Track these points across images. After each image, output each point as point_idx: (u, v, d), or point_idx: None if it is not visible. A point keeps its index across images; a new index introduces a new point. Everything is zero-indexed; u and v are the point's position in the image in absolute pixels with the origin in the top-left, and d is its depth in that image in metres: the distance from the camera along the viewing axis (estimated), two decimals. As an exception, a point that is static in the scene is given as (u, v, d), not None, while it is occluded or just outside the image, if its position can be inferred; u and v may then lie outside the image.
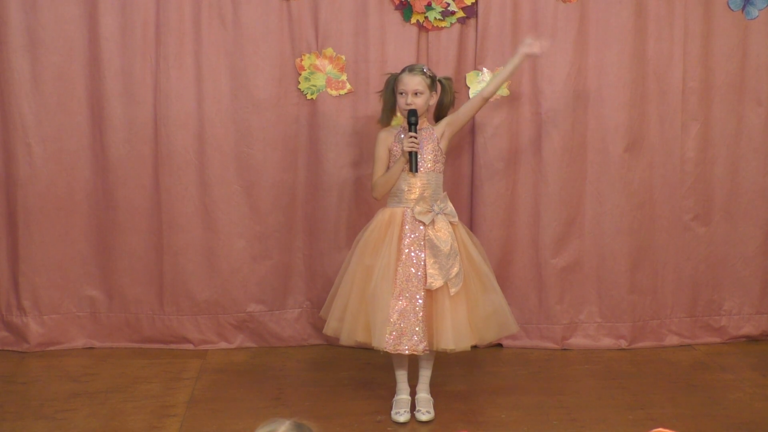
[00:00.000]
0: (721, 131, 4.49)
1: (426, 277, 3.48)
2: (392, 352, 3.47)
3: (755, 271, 4.59)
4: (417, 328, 3.45)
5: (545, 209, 4.41)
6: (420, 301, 3.47)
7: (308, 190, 4.40)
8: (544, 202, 4.40)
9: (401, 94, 3.59)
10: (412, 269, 3.49)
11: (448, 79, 3.73)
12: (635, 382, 4.02)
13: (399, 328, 3.45)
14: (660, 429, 2.75)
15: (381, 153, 3.67)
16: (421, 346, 3.46)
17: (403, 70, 3.63)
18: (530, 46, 3.72)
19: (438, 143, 3.63)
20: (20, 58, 4.18)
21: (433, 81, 3.64)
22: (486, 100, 3.71)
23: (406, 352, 3.46)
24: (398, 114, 3.81)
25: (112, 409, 3.62)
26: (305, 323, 4.48)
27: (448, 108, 3.71)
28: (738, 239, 4.56)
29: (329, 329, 3.65)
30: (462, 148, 4.39)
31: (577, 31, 4.32)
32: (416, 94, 3.57)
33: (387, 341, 3.44)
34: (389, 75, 3.71)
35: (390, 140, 3.67)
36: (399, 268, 3.50)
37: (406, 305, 3.47)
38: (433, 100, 3.67)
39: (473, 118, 4.11)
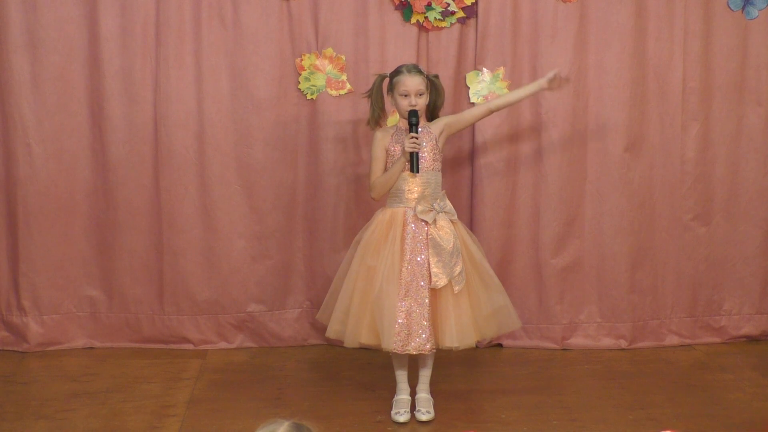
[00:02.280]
0: (721, 131, 4.49)
1: (430, 276, 3.48)
2: (400, 352, 3.46)
3: (755, 271, 4.59)
4: (423, 328, 3.45)
5: (545, 209, 4.41)
6: (425, 300, 3.46)
7: (308, 190, 4.40)
8: (544, 202, 4.40)
9: (404, 95, 3.57)
10: (417, 269, 3.49)
11: (436, 76, 3.70)
12: (635, 382, 4.02)
13: (406, 329, 3.45)
14: None
15: (378, 153, 3.66)
16: (428, 345, 3.46)
17: (399, 71, 3.60)
18: (551, 81, 3.75)
19: (436, 142, 3.62)
20: (20, 58, 4.18)
21: (428, 80, 3.63)
22: (491, 112, 3.76)
23: (414, 352, 3.46)
24: (390, 115, 3.80)
25: (112, 409, 3.62)
26: (305, 323, 4.48)
27: (441, 106, 3.70)
28: (738, 239, 4.56)
29: (331, 332, 3.63)
30: (462, 148, 4.39)
31: (577, 31, 4.32)
32: (419, 94, 3.57)
33: (395, 342, 3.44)
34: (377, 76, 3.70)
35: (387, 140, 3.65)
36: (403, 269, 3.49)
37: (412, 305, 3.46)
38: (429, 100, 3.66)
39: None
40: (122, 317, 4.40)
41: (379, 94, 3.66)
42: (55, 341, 4.37)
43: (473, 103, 4.28)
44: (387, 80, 3.66)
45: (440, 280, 3.47)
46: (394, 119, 3.83)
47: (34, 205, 4.28)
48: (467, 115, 3.71)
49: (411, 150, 3.52)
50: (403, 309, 3.46)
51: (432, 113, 3.71)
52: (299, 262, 4.45)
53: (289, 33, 4.28)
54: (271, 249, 4.41)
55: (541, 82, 3.78)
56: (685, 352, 4.48)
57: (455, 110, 4.10)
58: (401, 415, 3.54)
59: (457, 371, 4.11)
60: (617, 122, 4.38)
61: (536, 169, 4.39)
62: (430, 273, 3.48)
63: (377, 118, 3.68)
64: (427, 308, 3.46)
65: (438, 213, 3.54)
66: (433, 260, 3.48)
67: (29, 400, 3.72)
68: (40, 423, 3.48)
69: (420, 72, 3.59)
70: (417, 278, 3.48)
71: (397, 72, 3.61)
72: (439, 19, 4.26)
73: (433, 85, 3.66)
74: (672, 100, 4.42)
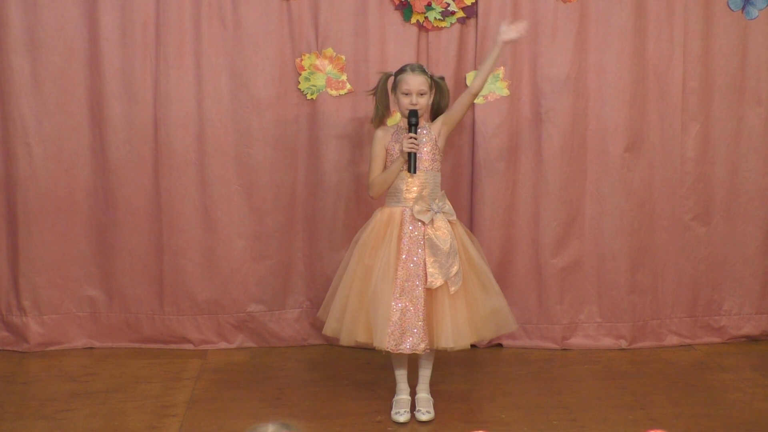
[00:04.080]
0: (721, 131, 4.49)
1: (426, 276, 3.48)
2: (393, 351, 3.46)
3: (755, 271, 4.59)
4: (417, 328, 3.45)
5: (545, 209, 4.41)
6: (420, 300, 3.47)
7: (308, 190, 4.40)
8: (544, 202, 4.41)
9: (405, 94, 3.57)
10: (413, 268, 3.49)
11: (442, 78, 3.72)
12: (635, 382, 4.02)
13: (400, 328, 3.45)
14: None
15: (378, 151, 3.66)
16: (422, 345, 3.46)
17: (403, 70, 3.62)
18: (506, 32, 3.63)
19: (436, 142, 3.63)
20: (20, 58, 4.18)
21: (431, 80, 3.64)
22: (474, 95, 3.65)
23: (408, 351, 3.46)
24: (393, 114, 3.80)
25: (112, 409, 3.62)
26: (305, 323, 4.48)
27: (445, 109, 3.70)
28: (738, 239, 4.56)
29: (328, 329, 3.64)
30: (461, 148, 4.39)
31: (577, 31, 4.32)
32: (421, 93, 3.57)
33: (388, 341, 3.44)
34: (382, 74, 3.70)
35: (387, 139, 3.66)
36: (399, 268, 3.50)
37: (407, 304, 3.47)
38: (431, 100, 3.66)
39: (468, 114, 4.16)
40: (122, 317, 4.40)
41: (383, 92, 3.67)
42: (55, 341, 4.37)
43: (473, 103, 4.30)
44: (392, 78, 3.66)
45: (436, 281, 3.47)
46: (394, 119, 3.83)
47: (34, 205, 4.28)
48: (456, 107, 3.66)
49: (408, 150, 3.52)
50: (397, 308, 3.46)
51: (436, 115, 3.71)
52: (299, 262, 4.45)
53: (289, 33, 4.29)
54: (271, 249, 4.41)
55: (498, 42, 3.63)
56: (685, 352, 4.48)
57: (455, 110, 4.11)
58: (401, 415, 3.54)
59: (457, 371, 4.11)
60: (617, 122, 4.38)
61: (536, 168, 4.39)
62: (426, 273, 3.48)
63: (381, 116, 3.69)
64: (422, 308, 3.46)
65: (436, 213, 3.54)
66: (429, 260, 3.48)
67: (29, 400, 3.72)
68: (40, 423, 3.48)
69: (423, 72, 3.60)
70: (413, 278, 3.48)
71: (401, 70, 3.62)
72: (439, 19, 4.26)
73: (437, 87, 3.66)
74: (672, 100, 4.42)
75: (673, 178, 4.47)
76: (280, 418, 2.05)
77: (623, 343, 4.50)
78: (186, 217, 4.34)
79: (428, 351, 3.51)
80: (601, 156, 4.41)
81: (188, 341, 4.41)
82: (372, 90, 3.72)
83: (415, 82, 3.57)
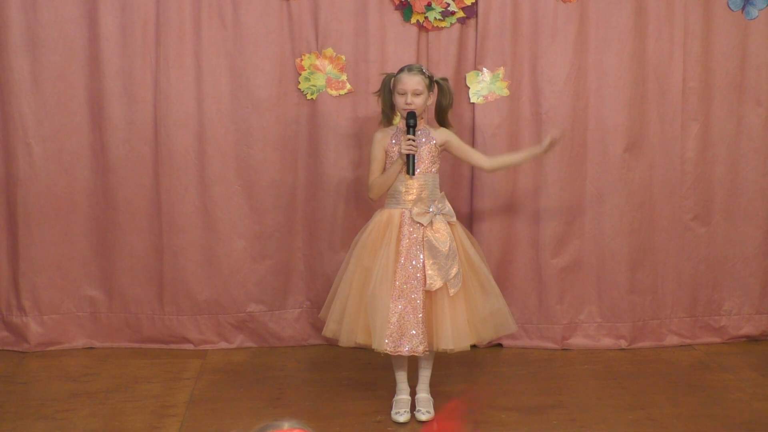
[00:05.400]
0: (721, 131, 4.49)
1: (425, 278, 3.48)
2: (392, 353, 3.46)
3: (755, 271, 4.59)
4: (416, 330, 3.45)
5: (545, 209, 4.41)
6: (419, 302, 3.46)
7: (308, 190, 4.40)
8: (544, 202, 4.40)
9: (401, 93, 3.58)
10: (411, 270, 3.49)
11: (445, 79, 3.71)
12: (635, 382, 4.02)
13: (398, 330, 3.45)
14: None
15: (377, 153, 3.67)
16: (421, 348, 3.45)
17: (401, 70, 3.62)
18: (547, 147, 3.72)
19: (435, 145, 3.62)
20: (20, 58, 4.19)
21: (431, 81, 3.63)
22: (483, 169, 3.83)
23: (406, 353, 3.46)
24: (398, 113, 3.80)
25: (112, 409, 3.62)
26: (305, 323, 4.48)
27: (447, 109, 3.70)
28: (738, 239, 4.56)
29: (328, 331, 3.64)
30: (462, 148, 4.39)
31: (577, 31, 4.32)
32: (416, 93, 3.57)
33: (387, 343, 3.44)
34: (385, 75, 3.71)
35: (386, 141, 3.66)
36: (398, 270, 3.49)
37: (406, 307, 3.46)
38: (430, 101, 3.66)
39: (468, 114, 4.28)
40: (122, 317, 4.40)
41: (387, 92, 3.67)
42: (55, 341, 4.37)
43: (473, 103, 4.31)
44: (394, 79, 3.67)
45: (435, 283, 3.46)
46: (398, 119, 3.83)
47: (34, 205, 4.28)
48: (468, 153, 3.75)
49: (407, 152, 3.52)
50: (396, 310, 3.46)
51: (439, 115, 3.71)
52: (299, 262, 4.45)
53: (289, 33, 4.28)
54: (271, 249, 4.41)
55: (539, 148, 3.75)
56: (685, 352, 4.48)
57: (456, 111, 4.11)
58: (401, 415, 3.54)
59: (457, 371, 4.11)
60: (617, 122, 4.38)
61: (536, 168, 4.39)
62: (425, 275, 3.48)
63: (388, 117, 3.70)
64: (421, 310, 3.46)
65: (435, 215, 3.54)
66: (428, 262, 3.48)
67: (29, 400, 3.72)
68: (40, 423, 3.48)
69: (421, 72, 3.60)
70: (411, 280, 3.48)
71: (399, 70, 3.63)
72: (439, 19, 4.26)
73: (440, 88, 3.66)
74: (672, 100, 4.42)
75: (673, 178, 4.47)
76: (292, 417, 2.04)
77: (623, 343, 4.50)
78: (186, 217, 4.34)
79: (427, 353, 3.51)
80: (601, 156, 4.41)
81: (188, 341, 4.41)
82: (377, 91, 3.73)
83: (410, 81, 3.56)
